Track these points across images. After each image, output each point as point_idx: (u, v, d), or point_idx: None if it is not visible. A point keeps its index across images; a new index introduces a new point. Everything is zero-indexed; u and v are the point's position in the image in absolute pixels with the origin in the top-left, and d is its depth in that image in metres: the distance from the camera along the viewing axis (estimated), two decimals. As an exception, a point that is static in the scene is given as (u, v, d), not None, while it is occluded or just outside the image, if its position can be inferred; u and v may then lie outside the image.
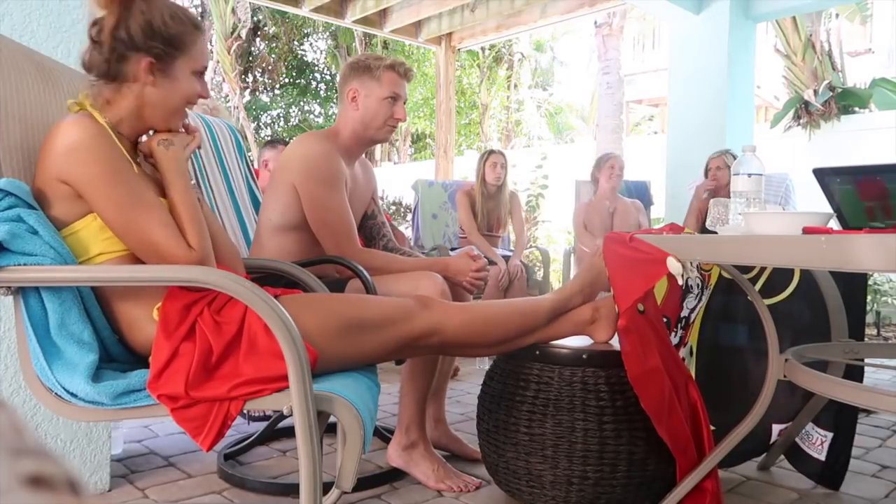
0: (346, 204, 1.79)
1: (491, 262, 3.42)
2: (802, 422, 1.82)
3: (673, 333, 1.71)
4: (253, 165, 2.52)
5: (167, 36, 1.20)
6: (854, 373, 1.75)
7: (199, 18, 1.33)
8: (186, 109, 1.30)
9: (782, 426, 1.84)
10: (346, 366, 1.27)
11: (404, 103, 1.89)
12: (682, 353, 1.77)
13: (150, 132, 1.29)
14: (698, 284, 1.75)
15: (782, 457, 1.94)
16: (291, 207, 1.78)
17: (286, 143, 3.78)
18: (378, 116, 1.84)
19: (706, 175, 3.71)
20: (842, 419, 1.81)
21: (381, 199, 5.30)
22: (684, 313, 1.75)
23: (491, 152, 3.90)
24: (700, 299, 1.79)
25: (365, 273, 1.69)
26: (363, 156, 2.02)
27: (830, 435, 1.83)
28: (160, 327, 1.13)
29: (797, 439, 1.87)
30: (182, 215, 1.20)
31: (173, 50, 1.21)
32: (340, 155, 1.82)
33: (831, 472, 1.81)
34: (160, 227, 1.14)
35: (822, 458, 1.83)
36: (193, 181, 1.38)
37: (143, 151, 1.27)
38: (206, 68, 1.30)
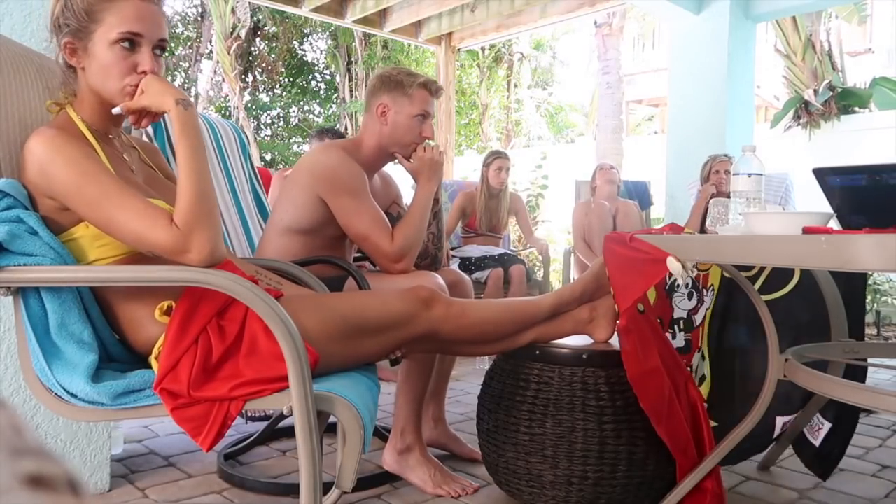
0: (375, 208, 1.79)
1: (481, 267, 3.43)
2: (811, 412, 1.80)
3: (670, 334, 1.71)
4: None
5: (77, 10, 1.13)
6: (856, 373, 1.75)
7: None
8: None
9: (787, 418, 1.83)
10: (346, 366, 1.27)
11: (433, 121, 1.89)
12: (695, 358, 1.77)
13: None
14: (688, 284, 1.74)
15: (783, 456, 1.94)
16: (305, 211, 1.79)
17: (325, 136, 3.58)
18: (407, 134, 1.84)
19: (703, 176, 3.71)
20: (843, 413, 1.81)
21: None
22: (680, 314, 1.74)
23: (496, 156, 3.86)
24: (702, 301, 1.78)
25: (358, 272, 1.70)
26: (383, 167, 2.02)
27: (829, 425, 1.82)
28: (174, 330, 1.11)
29: (804, 429, 1.86)
30: (178, 184, 1.12)
31: (86, 23, 1.13)
32: (361, 166, 1.82)
33: (821, 461, 1.80)
34: (136, 217, 1.07)
35: (817, 444, 1.82)
36: None
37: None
38: (138, 34, 1.13)
